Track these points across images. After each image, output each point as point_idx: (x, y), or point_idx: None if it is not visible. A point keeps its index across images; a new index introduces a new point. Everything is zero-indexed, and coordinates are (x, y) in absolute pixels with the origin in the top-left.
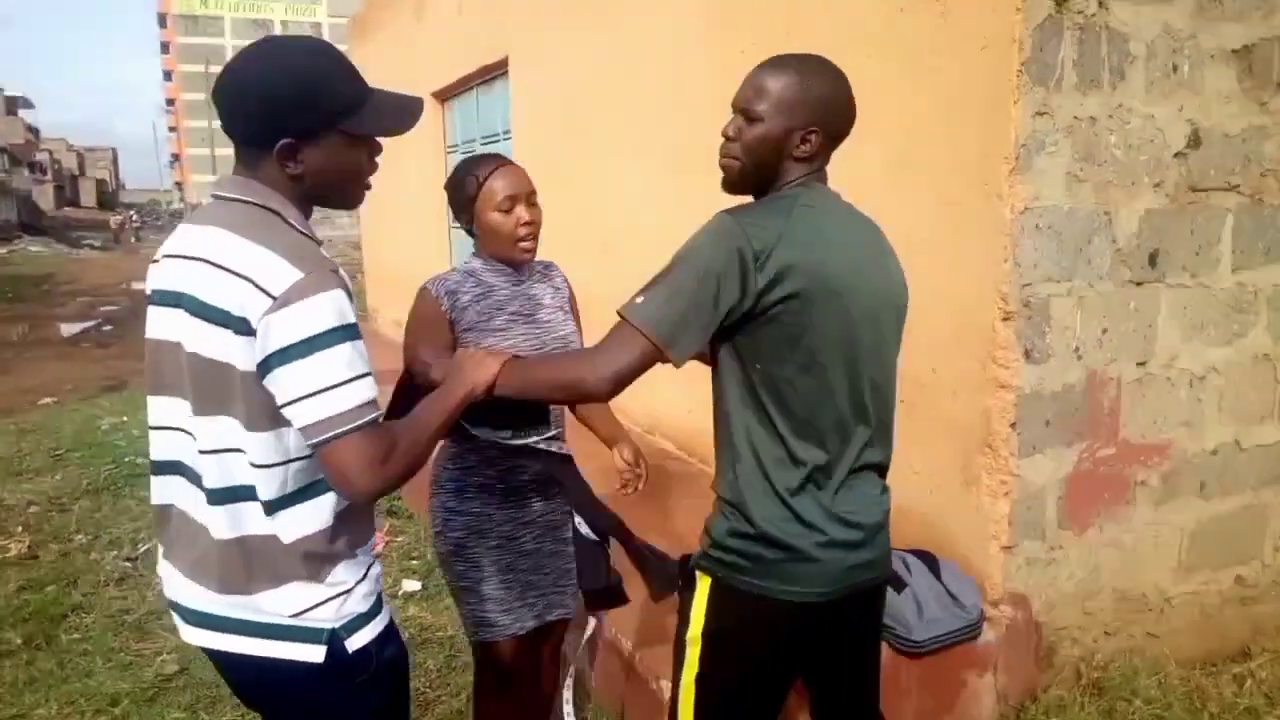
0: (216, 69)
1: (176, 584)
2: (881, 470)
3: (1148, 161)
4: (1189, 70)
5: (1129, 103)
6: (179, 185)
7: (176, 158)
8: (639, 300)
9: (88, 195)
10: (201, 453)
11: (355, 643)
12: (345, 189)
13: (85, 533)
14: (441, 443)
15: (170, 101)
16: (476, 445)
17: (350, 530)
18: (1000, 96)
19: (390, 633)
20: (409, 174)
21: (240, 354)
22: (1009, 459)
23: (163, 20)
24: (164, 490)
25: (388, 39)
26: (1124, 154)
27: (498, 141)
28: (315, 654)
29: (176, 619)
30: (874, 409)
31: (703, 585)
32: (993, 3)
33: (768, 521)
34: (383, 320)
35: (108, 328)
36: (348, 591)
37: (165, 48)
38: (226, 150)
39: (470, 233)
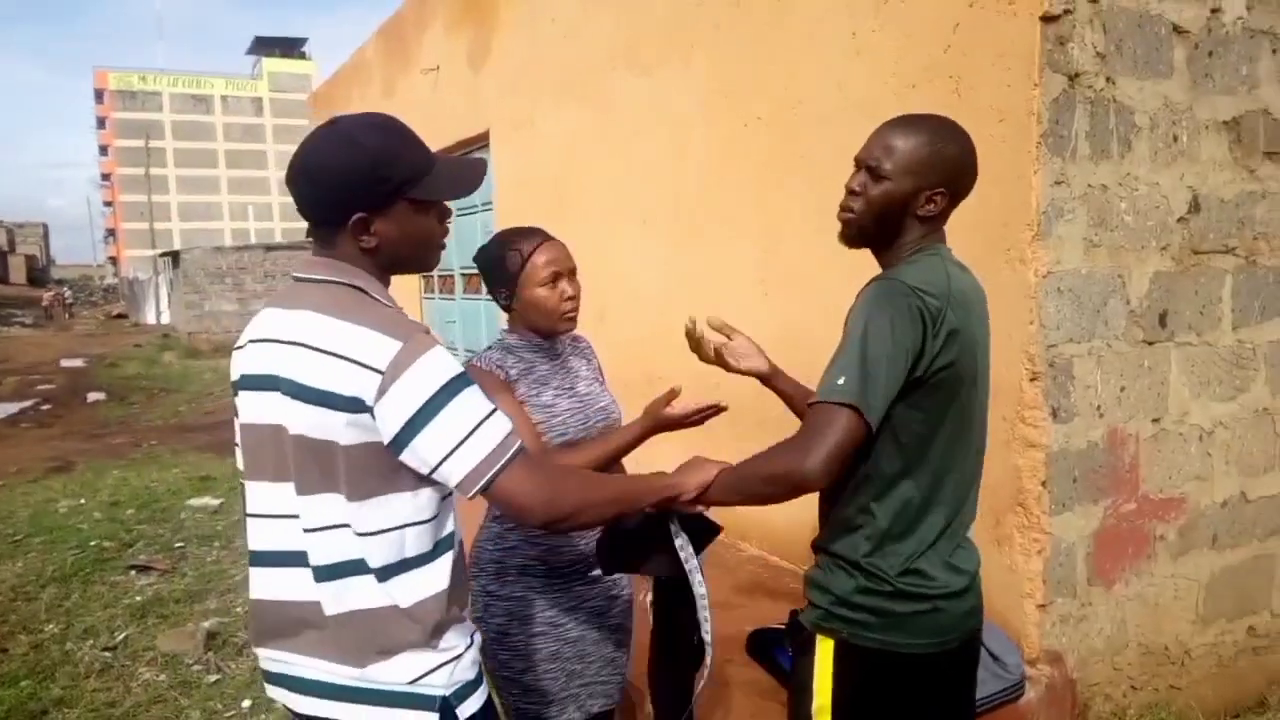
0: (156, 143)
1: (284, 659)
2: (971, 523)
3: (1154, 226)
4: (1187, 140)
5: (1136, 171)
6: (113, 260)
7: (111, 233)
8: (840, 382)
9: (17, 272)
10: (307, 531)
11: (465, 711)
12: (419, 255)
13: (56, 622)
14: (481, 522)
15: (106, 176)
16: (517, 524)
17: (460, 595)
18: (1021, 167)
19: (491, 704)
20: None
21: (342, 431)
22: (1041, 516)
23: (99, 95)
24: (264, 583)
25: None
26: (1133, 219)
27: (476, 213)
28: None
29: (283, 692)
30: (981, 462)
31: (824, 649)
32: (1008, 78)
33: (901, 576)
34: None
35: (46, 406)
36: (458, 658)
37: (101, 123)
38: (164, 224)
39: (507, 307)
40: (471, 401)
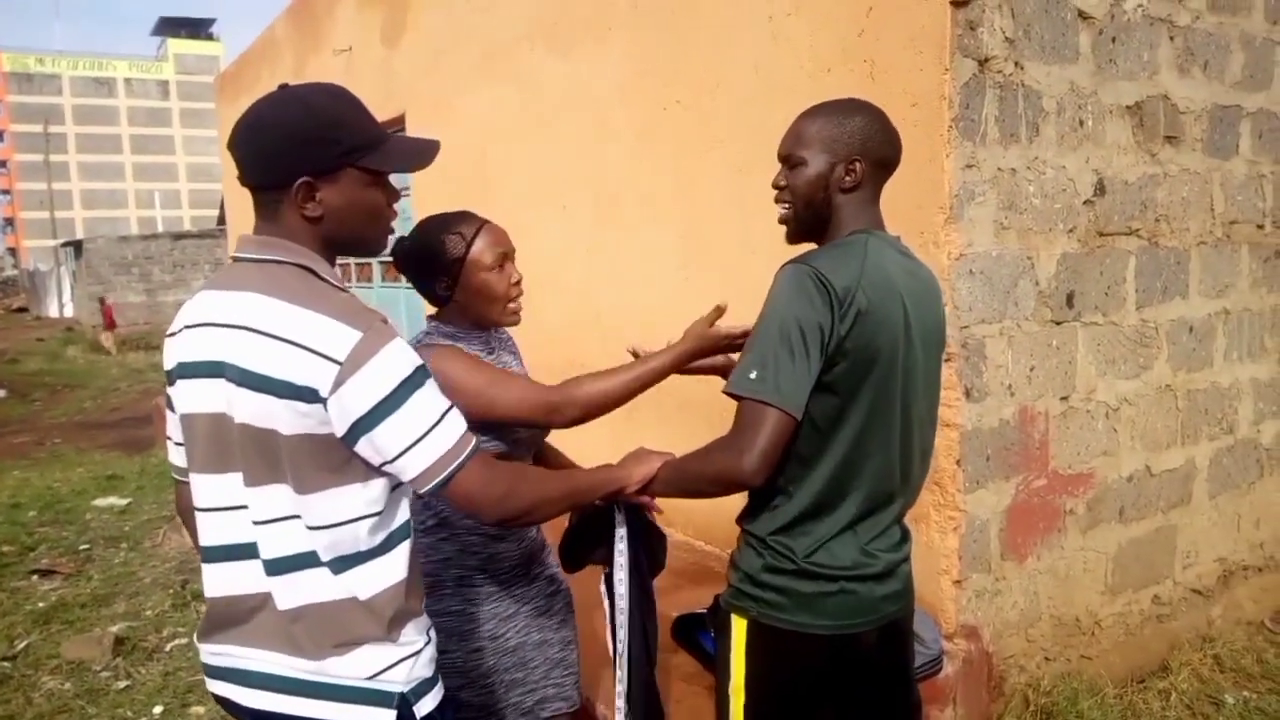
0: (56, 128)
1: (233, 653)
2: (903, 511)
3: (1061, 209)
4: (1093, 124)
5: (1044, 154)
6: (12, 251)
7: (10, 222)
8: (752, 375)
9: None
10: (257, 523)
11: (422, 708)
12: (366, 232)
13: None
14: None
15: (2, 163)
16: (452, 534)
17: (417, 589)
18: (933, 150)
19: (447, 703)
20: None
21: (288, 420)
22: (956, 494)
23: None
24: (218, 580)
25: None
26: (1041, 202)
27: None
28: (386, 718)
29: (228, 687)
30: (915, 453)
31: (738, 628)
32: (920, 63)
33: (808, 557)
34: None
35: None
36: (417, 654)
37: None
38: (66, 213)
39: (445, 298)
40: (430, 397)
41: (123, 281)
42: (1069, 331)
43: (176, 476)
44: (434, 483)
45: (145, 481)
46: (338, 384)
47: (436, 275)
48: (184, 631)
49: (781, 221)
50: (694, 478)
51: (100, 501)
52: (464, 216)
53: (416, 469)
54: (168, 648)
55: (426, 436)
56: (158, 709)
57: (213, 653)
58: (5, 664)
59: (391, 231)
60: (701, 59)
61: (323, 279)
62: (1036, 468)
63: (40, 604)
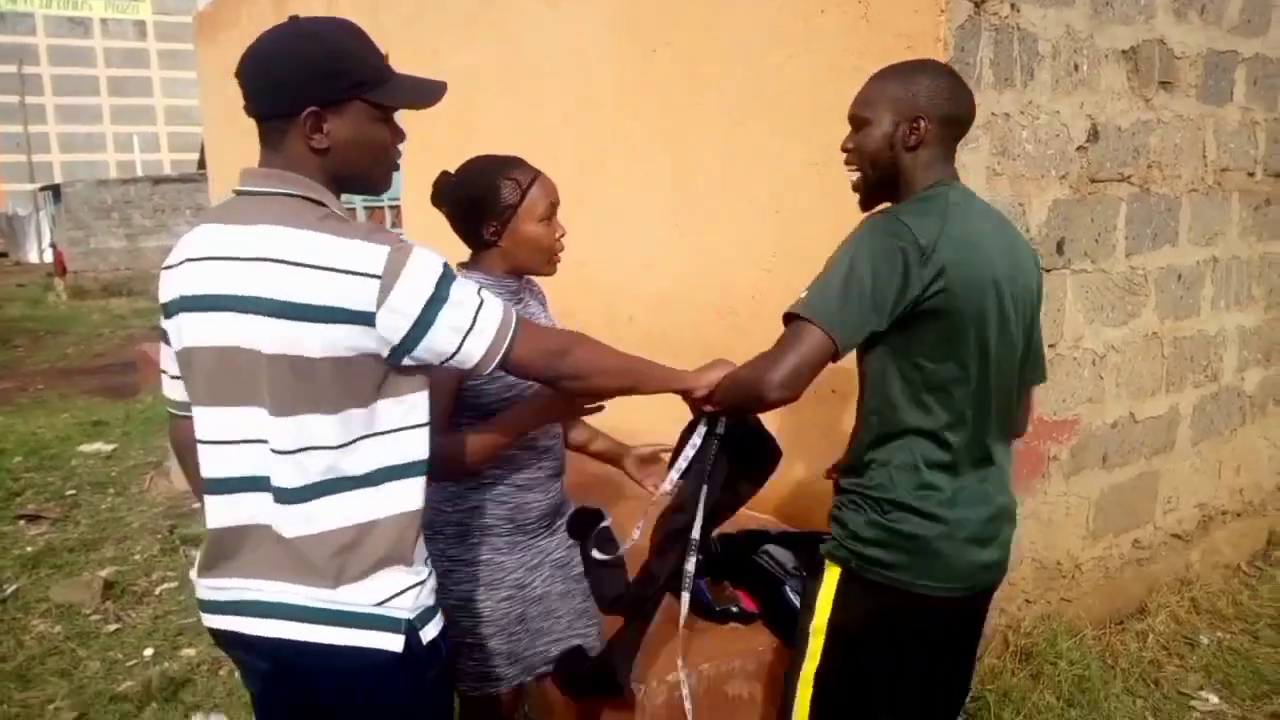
0: (31, 69)
1: (240, 585)
2: (1005, 466)
3: (1054, 155)
4: (1087, 69)
5: (1038, 99)
6: None
7: None
8: (803, 294)
9: None
10: (276, 453)
11: (427, 634)
12: (371, 168)
13: None
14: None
15: None
16: (481, 484)
17: (421, 524)
18: None
19: (448, 631)
20: None
21: (332, 344)
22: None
23: None
24: (224, 510)
25: (242, 37)
26: (1034, 148)
27: None
28: (395, 643)
29: (232, 620)
30: (1006, 405)
31: (831, 574)
32: (915, 4)
33: (911, 517)
34: None
35: None
36: (422, 583)
37: None
38: (44, 156)
39: (490, 244)
40: (466, 287)
41: (103, 226)
42: (1058, 279)
43: (174, 411)
44: (498, 359)
45: (131, 428)
46: (383, 296)
47: (486, 219)
48: (173, 576)
49: (854, 188)
50: (737, 387)
51: (86, 447)
52: (518, 163)
53: (478, 353)
54: (157, 591)
55: (477, 321)
56: (149, 651)
57: (214, 587)
58: None
59: (396, 169)
60: (690, 2)
61: (335, 212)
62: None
63: (28, 549)
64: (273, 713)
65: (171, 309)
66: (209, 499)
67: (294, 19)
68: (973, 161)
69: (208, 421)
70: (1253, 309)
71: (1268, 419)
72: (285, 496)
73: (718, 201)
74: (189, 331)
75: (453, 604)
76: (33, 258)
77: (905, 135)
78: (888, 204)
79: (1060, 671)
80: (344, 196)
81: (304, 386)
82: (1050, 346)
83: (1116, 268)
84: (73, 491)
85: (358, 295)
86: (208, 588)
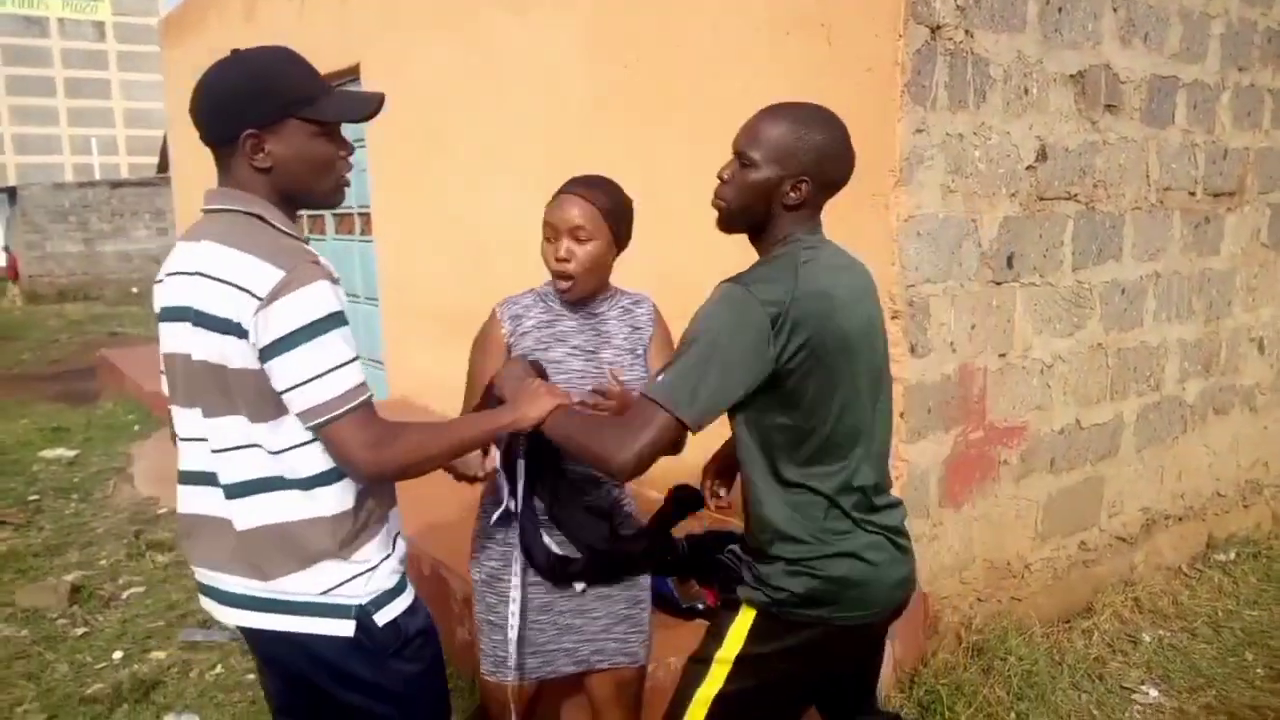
0: None
1: (209, 575)
2: (889, 501)
3: (1005, 174)
4: (1037, 92)
5: (990, 121)
6: None
7: None
8: (661, 379)
9: None
10: (214, 452)
11: (383, 617)
12: (315, 182)
13: None
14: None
15: None
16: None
17: (377, 507)
18: (886, 115)
19: (416, 606)
20: None
21: (235, 355)
22: (899, 445)
23: None
24: (190, 500)
25: (210, 42)
26: (986, 167)
27: None
28: (345, 628)
29: (212, 604)
30: (879, 435)
31: (746, 614)
32: (875, 29)
33: (833, 559)
34: None
35: None
36: (373, 569)
37: None
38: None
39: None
40: (333, 345)
41: (59, 230)
42: (1008, 291)
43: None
44: (314, 423)
45: (93, 434)
46: (257, 313)
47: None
48: (139, 580)
49: (716, 209)
50: (577, 445)
51: (47, 453)
52: (575, 180)
53: (301, 406)
54: (124, 595)
55: (318, 379)
56: (117, 654)
57: (197, 572)
58: None
59: (347, 184)
60: (658, 21)
61: (272, 225)
62: (974, 420)
63: None
64: (271, 693)
65: (157, 319)
66: (180, 489)
67: (234, 52)
68: (928, 179)
69: (177, 419)
70: (1193, 322)
71: (1207, 427)
72: (231, 492)
73: (684, 214)
74: (165, 339)
75: (481, 579)
76: None
77: (786, 193)
78: (759, 255)
79: (1010, 667)
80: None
81: (221, 391)
82: (1001, 355)
83: (1063, 281)
84: (35, 497)
85: (241, 310)
86: (196, 571)
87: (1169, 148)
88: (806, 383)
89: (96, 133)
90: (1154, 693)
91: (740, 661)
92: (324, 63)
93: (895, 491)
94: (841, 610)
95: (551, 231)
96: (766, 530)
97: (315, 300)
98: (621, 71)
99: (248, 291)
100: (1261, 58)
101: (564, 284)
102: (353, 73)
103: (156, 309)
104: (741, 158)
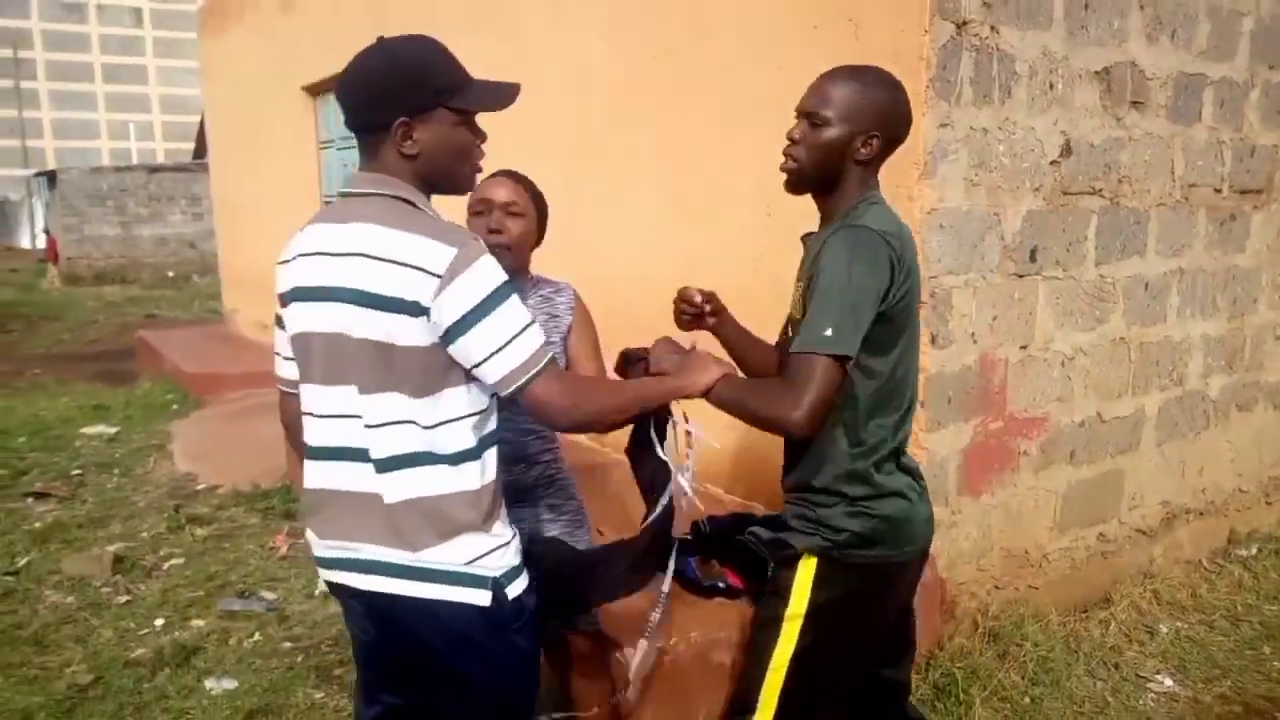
0: (25, 54)
1: (345, 547)
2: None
3: (1029, 168)
4: (1062, 88)
5: (1014, 116)
6: None
7: None
8: (827, 333)
9: None
10: (369, 427)
11: (513, 591)
12: (458, 169)
13: None
14: None
15: None
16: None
17: (501, 488)
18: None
19: (532, 586)
20: (275, 172)
21: (403, 333)
22: (919, 433)
23: None
24: (321, 475)
25: (247, 30)
26: (1010, 161)
27: None
28: (483, 598)
29: (342, 574)
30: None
31: (808, 563)
32: (901, 24)
33: (886, 497)
34: (242, 321)
35: None
36: (506, 544)
37: None
38: (37, 142)
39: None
40: (515, 310)
41: (97, 214)
42: (1030, 284)
43: (283, 388)
44: (513, 388)
45: (133, 412)
46: (438, 293)
47: None
48: (179, 552)
49: (785, 171)
50: (748, 409)
51: (89, 430)
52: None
53: (498, 374)
54: (165, 566)
55: (508, 345)
56: (159, 621)
57: (325, 547)
58: (9, 578)
59: (479, 170)
60: (685, 12)
61: (422, 210)
62: (994, 411)
63: (37, 524)
64: (373, 656)
65: (286, 298)
66: (308, 463)
67: (380, 40)
68: (951, 172)
69: (313, 397)
70: (1217, 318)
71: (1230, 423)
72: (383, 466)
73: (711, 202)
74: (299, 318)
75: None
76: (24, 243)
77: (857, 149)
78: (830, 212)
79: (1026, 653)
80: None
81: (383, 368)
82: (1022, 348)
83: (1086, 275)
84: (78, 471)
85: (420, 290)
86: (321, 547)
87: (1195, 145)
88: (896, 325)
89: (134, 118)
90: (1169, 682)
91: (812, 614)
92: (356, 49)
93: None
94: (891, 548)
95: (484, 205)
96: (827, 473)
97: (490, 273)
98: (650, 63)
99: (423, 270)
100: None
101: (504, 252)
102: None
103: (285, 287)
104: (812, 118)
